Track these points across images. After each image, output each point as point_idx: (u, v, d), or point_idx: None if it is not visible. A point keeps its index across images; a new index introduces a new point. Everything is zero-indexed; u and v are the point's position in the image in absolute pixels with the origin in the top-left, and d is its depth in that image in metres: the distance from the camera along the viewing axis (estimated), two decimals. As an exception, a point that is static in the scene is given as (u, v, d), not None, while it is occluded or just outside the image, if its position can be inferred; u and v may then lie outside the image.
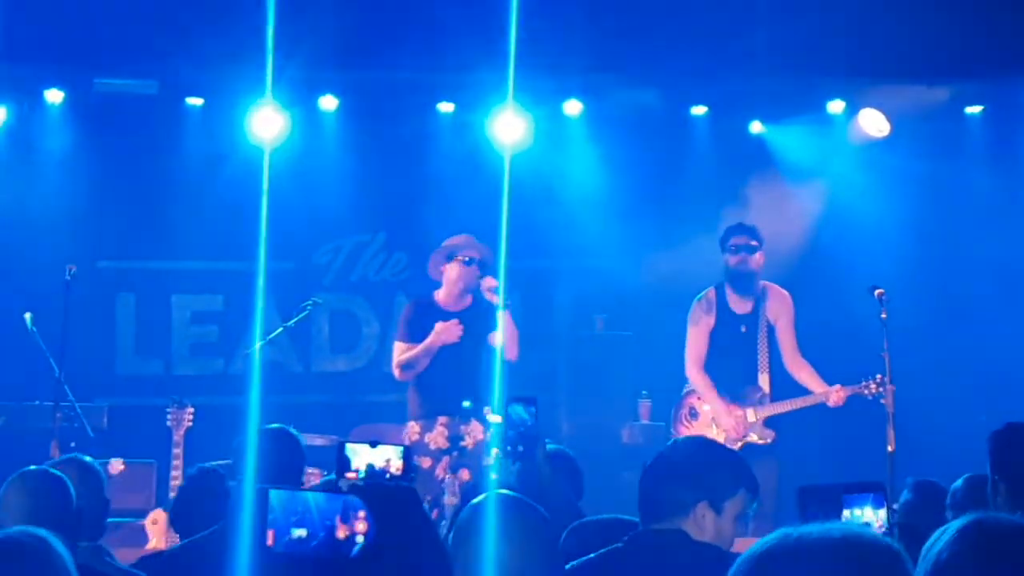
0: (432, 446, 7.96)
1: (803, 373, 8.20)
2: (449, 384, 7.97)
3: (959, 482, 4.68)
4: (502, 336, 7.73)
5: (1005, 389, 8.80)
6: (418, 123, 9.92)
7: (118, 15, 8.34)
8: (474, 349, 8.00)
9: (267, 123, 9.00)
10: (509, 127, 9.16)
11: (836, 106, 10.02)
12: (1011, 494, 4.01)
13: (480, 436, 7.88)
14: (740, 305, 8.32)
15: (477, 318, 8.00)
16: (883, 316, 7.63)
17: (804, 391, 8.15)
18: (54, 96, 9.54)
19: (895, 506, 5.06)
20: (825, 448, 8.86)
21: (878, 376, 7.76)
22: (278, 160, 8.87)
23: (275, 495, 2.22)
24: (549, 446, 4.73)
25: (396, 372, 8.19)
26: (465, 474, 7.75)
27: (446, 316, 8.07)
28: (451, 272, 8.13)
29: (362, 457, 3.10)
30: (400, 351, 8.16)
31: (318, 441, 8.69)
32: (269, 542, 2.24)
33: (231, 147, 9.39)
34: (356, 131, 9.90)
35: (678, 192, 10.04)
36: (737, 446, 8.06)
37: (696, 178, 10.09)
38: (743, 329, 8.26)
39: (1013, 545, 2.44)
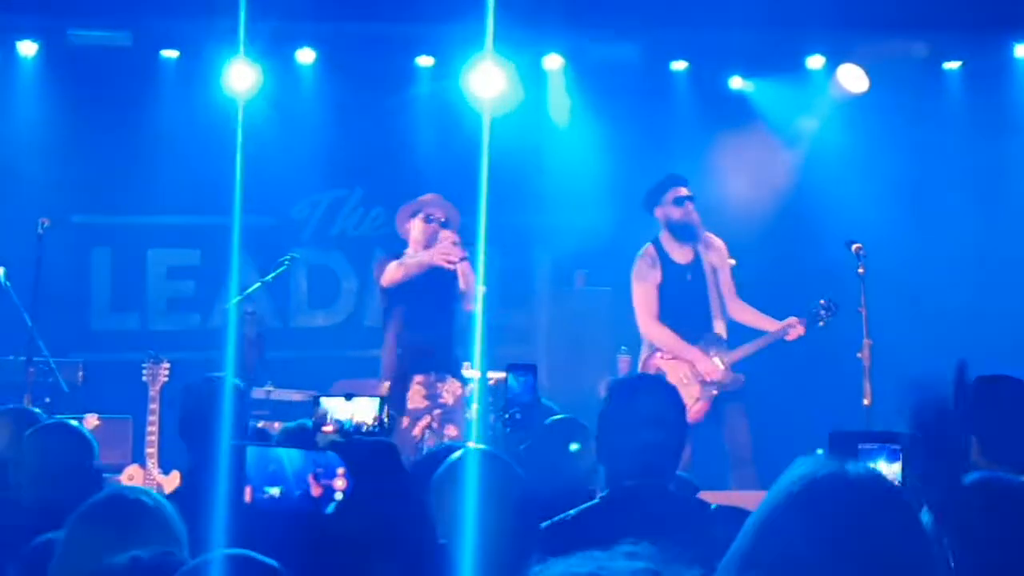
0: (409, 405, 7.84)
1: (747, 315, 8.24)
2: (422, 342, 7.87)
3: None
4: (466, 286, 7.73)
5: (982, 343, 8.83)
6: (396, 77, 9.86)
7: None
8: (444, 306, 7.92)
9: (242, 76, 8.91)
10: (488, 82, 9.09)
11: (815, 61, 10.00)
12: (984, 450, 4.01)
13: (459, 392, 7.79)
14: (681, 255, 8.28)
15: (447, 274, 7.89)
16: (860, 271, 7.65)
17: (756, 334, 8.16)
18: (27, 48, 9.45)
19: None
20: (801, 401, 8.88)
21: (822, 301, 7.89)
22: (255, 114, 8.81)
23: (251, 452, 2.21)
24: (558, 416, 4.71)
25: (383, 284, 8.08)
26: (452, 430, 7.70)
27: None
28: (415, 230, 8.06)
29: (338, 410, 3.09)
30: (391, 269, 8.02)
31: (296, 397, 8.69)
32: (247, 499, 2.23)
33: (207, 100, 9.31)
34: (333, 85, 9.83)
35: (658, 148, 9.99)
36: (713, 392, 8.08)
37: (676, 133, 10.05)
38: (688, 277, 8.23)
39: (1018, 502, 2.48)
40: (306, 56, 9.72)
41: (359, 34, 9.52)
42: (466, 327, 7.76)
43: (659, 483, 3.41)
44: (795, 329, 8.01)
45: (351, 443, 2.58)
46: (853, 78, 9.88)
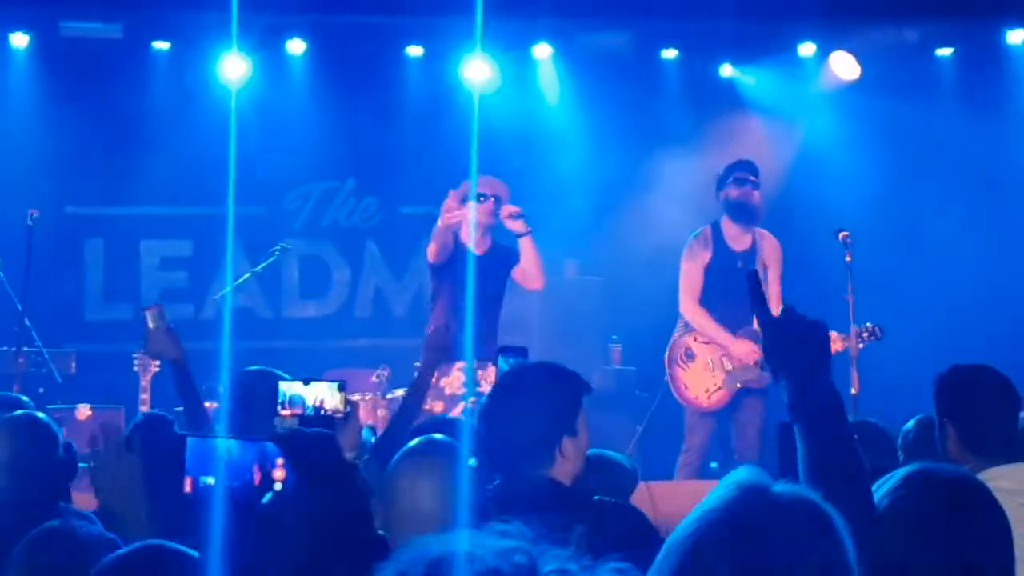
0: (447, 391, 7.60)
1: None
2: (472, 328, 7.67)
3: (911, 423, 4.68)
4: (526, 264, 7.56)
5: (970, 332, 8.85)
6: (387, 67, 9.87)
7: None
8: (496, 294, 7.73)
9: (233, 67, 8.93)
10: (478, 71, 9.11)
11: (807, 49, 9.99)
12: (961, 439, 4.01)
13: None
14: (738, 241, 8.10)
15: (496, 261, 7.71)
16: (848, 259, 7.64)
17: None
18: (19, 40, 9.47)
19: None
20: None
21: (868, 324, 7.72)
22: (246, 105, 8.82)
23: (190, 443, 2.23)
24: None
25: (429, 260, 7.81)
26: None
27: (471, 255, 7.82)
28: (468, 213, 7.61)
29: (297, 394, 3.11)
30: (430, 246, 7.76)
31: (287, 386, 8.71)
32: (187, 488, 2.25)
33: (199, 91, 9.34)
34: (324, 75, 9.84)
35: (649, 136, 10.00)
36: (737, 386, 7.99)
37: (667, 122, 10.05)
38: (740, 264, 7.97)
39: (956, 496, 2.46)
40: (297, 47, 9.74)
41: (349, 25, 9.53)
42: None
43: (537, 472, 3.26)
44: (834, 344, 7.87)
45: (291, 433, 2.60)
46: (845, 65, 9.88)
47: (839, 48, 9.84)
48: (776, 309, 7.74)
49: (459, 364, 7.65)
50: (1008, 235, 9.71)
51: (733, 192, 8.05)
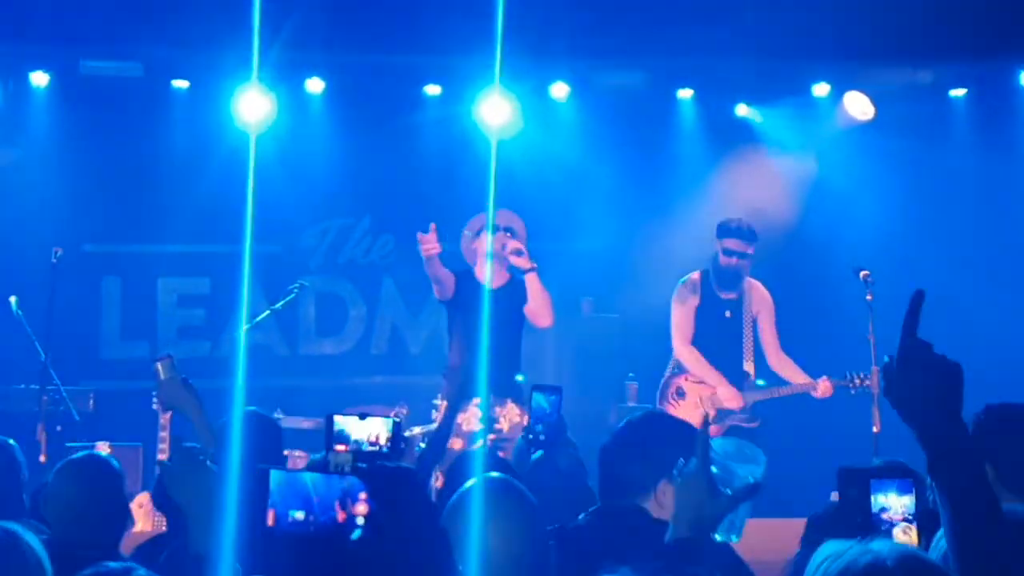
0: (464, 427, 7.51)
1: (788, 369, 8.20)
2: (488, 364, 7.61)
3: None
4: (533, 301, 7.50)
5: (989, 370, 8.85)
6: (405, 106, 9.92)
7: (103, -3, 8.33)
8: (514, 329, 7.66)
9: (253, 106, 8.98)
10: (496, 110, 9.15)
11: (821, 89, 10.05)
12: (1002, 478, 4.02)
13: (516, 419, 7.48)
14: (724, 292, 8.32)
15: (514, 296, 7.65)
16: (868, 298, 7.67)
17: (784, 381, 8.17)
18: (39, 78, 9.52)
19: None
20: (810, 426, 8.88)
21: (861, 374, 7.81)
22: (264, 142, 8.85)
23: (275, 475, 2.23)
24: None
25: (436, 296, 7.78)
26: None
27: (483, 290, 7.78)
28: (482, 245, 7.64)
29: (351, 430, 3.11)
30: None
31: (305, 424, 8.70)
32: (270, 522, 2.25)
33: (217, 129, 9.38)
34: (343, 113, 9.90)
35: (664, 175, 10.05)
36: (727, 423, 8.09)
37: (682, 161, 10.11)
38: (728, 314, 8.25)
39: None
40: (315, 86, 9.80)
41: (367, 64, 9.58)
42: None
43: (642, 506, 3.48)
44: (823, 385, 7.98)
45: (373, 468, 2.60)
46: (859, 105, 9.94)
47: (853, 88, 9.90)
48: (777, 354, 7.76)
49: (475, 400, 7.64)
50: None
51: (723, 260, 8.23)
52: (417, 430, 7.81)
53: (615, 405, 9.69)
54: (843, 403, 8.42)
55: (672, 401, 8.34)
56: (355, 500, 2.25)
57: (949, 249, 9.85)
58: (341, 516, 2.21)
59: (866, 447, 7.34)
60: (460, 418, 7.55)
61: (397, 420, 3.33)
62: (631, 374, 9.72)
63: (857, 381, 7.84)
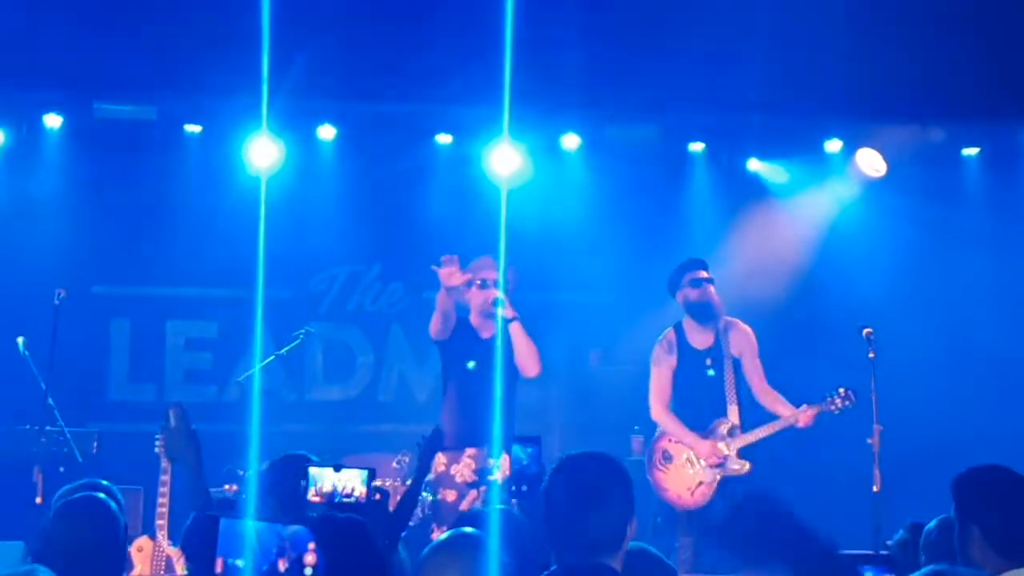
0: (458, 479, 7.56)
1: (776, 404, 8.14)
2: (480, 415, 7.45)
3: (932, 524, 4.66)
4: (518, 352, 7.48)
5: (994, 429, 8.80)
6: (415, 154, 9.96)
7: (118, 41, 8.39)
8: (506, 380, 7.56)
9: (264, 151, 9.03)
10: (506, 160, 9.18)
11: (833, 145, 10.04)
12: (988, 540, 3.99)
13: (508, 472, 7.12)
14: (701, 340, 8.23)
15: (506, 347, 7.62)
16: (871, 355, 7.64)
17: (774, 418, 8.09)
18: (53, 121, 9.58)
19: (889, 543, 5.08)
20: (811, 487, 8.80)
21: (841, 390, 7.74)
22: (275, 188, 8.90)
23: (224, 523, 2.22)
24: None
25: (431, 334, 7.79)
26: None
27: (480, 338, 7.87)
28: (474, 299, 7.74)
29: (327, 480, 3.11)
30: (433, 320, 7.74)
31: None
32: (218, 570, 2.24)
33: (229, 174, 9.43)
34: (353, 161, 9.93)
35: (674, 228, 10.04)
36: (717, 476, 8.04)
37: (693, 214, 10.11)
38: (708, 363, 8.16)
39: None
40: (327, 133, 9.84)
41: (379, 112, 9.63)
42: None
43: (601, 563, 3.35)
44: (805, 414, 7.90)
45: (323, 518, 2.59)
46: (871, 162, 9.92)
47: (865, 145, 9.89)
48: (763, 389, 7.66)
49: (469, 451, 7.59)
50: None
51: (692, 294, 8.19)
52: (389, 483, 7.74)
53: (621, 458, 9.64)
54: (843, 462, 8.35)
55: (660, 467, 8.26)
56: (302, 550, 2.24)
57: (959, 308, 9.80)
58: (282, 565, 2.20)
59: (865, 507, 7.29)
60: (454, 469, 7.54)
61: (372, 471, 3.33)
62: (636, 427, 9.67)
63: (839, 401, 7.75)
